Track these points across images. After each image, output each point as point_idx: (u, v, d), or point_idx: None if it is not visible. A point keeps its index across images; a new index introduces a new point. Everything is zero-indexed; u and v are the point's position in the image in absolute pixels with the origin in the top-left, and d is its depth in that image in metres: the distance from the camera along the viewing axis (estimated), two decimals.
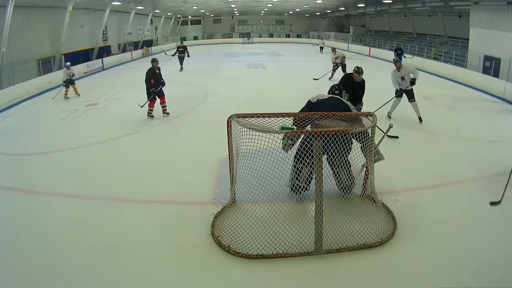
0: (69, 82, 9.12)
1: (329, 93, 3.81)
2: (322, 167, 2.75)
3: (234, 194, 3.36)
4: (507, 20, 11.04)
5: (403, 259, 2.69)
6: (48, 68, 12.43)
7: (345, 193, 3.17)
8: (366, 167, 3.36)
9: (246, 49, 24.38)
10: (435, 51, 15.48)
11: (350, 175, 3.32)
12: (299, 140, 3.25)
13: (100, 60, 15.81)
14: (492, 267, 2.59)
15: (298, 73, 12.85)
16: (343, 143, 2.91)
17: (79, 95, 9.26)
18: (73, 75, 9.26)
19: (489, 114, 7.28)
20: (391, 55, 16.98)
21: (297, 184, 3.35)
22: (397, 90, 6.18)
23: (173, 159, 4.81)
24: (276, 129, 2.94)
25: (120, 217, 3.39)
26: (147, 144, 5.43)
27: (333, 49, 11.64)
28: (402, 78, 6.04)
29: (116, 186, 4.02)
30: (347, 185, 3.25)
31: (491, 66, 11.39)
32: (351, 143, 3.17)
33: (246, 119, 3.04)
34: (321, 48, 21.56)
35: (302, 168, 3.24)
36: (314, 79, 10.71)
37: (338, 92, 3.77)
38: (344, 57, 11.05)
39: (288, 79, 11.60)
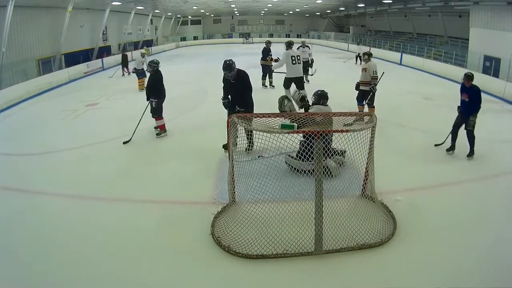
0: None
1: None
2: (322, 167, 2.75)
3: (234, 193, 3.36)
4: (507, 20, 11.04)
5: (403, 259, 2.69)
6: (48, 68, 12.43)
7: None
8: (366, 168, 3.36)
9: (246, 49, 24.35)
10: (435, 51, 15.47)
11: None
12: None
13: (100, 60, 15.81)
14: (492, 267, 2.59)
15: None
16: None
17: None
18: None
19: (489, 114, 7.25)
20: (391, 55, 17.03)
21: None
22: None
23: (173, 159, 4.80)
24: (276, 128, 2.94)
25: (120, 217, 3.39)
26: (147, 144, 5.42)
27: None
28: None
29: (116, 186, 4.02)
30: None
31: (491, 66, 11.39)
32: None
33: (246, 119, 3.05)
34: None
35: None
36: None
37: None
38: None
39: None
